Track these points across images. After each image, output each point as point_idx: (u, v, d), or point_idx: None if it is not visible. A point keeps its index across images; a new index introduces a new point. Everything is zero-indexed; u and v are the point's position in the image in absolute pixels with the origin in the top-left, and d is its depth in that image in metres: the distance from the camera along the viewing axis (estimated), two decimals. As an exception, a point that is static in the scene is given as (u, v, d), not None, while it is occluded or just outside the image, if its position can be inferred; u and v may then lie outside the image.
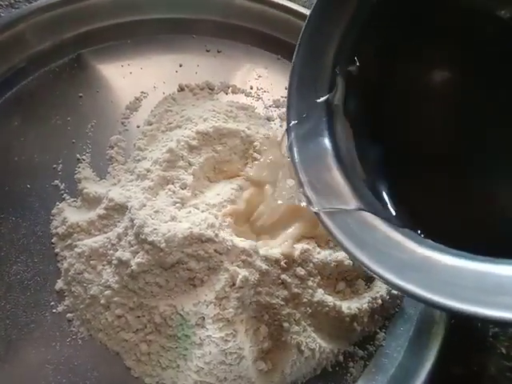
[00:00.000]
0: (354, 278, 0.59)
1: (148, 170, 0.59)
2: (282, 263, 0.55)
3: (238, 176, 0.63)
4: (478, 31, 0.45)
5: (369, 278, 0.59)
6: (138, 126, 0.67)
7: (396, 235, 0.37)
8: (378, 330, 0.59)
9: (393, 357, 0.58)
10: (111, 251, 0.54)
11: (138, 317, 0.53)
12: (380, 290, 0.58)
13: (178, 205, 0.56)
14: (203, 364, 0.50)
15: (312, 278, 0.56)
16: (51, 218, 0.59)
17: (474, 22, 0.45)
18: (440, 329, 0.57)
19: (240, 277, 0.51)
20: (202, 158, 0.60)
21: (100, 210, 0.57)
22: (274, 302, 0.53)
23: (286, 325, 0.53)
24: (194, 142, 0.60)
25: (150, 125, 0.66)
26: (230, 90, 0.74)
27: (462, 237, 0.36)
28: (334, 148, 0.43)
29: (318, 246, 0.59)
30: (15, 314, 0.53)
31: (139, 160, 0.62)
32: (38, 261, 0.56)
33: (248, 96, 0.74)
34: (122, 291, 0.52)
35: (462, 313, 0.30)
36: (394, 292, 0.58)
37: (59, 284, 0.55)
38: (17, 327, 0.53)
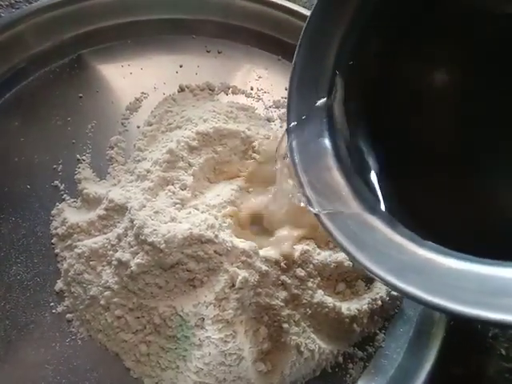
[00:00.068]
0: (353, 279, 0.59)
1: (148, 171, 0.59)
2: (282, 264, 0.55)
3: (238, 177, 0.63)
4: (478, 31, 0.45)
5: (368, 279, 0.59)
6: (138, 127, 0.67)
7: (396, 237, 0.37)
8: (378, 331, 0.59)
9: (392, 358, 0.58)
10: (111, 252, 0.54)
11: (138, 317, 0.53)
12: (380, 291, 0.58)
13: (177, 205, 0.56)
14: (203, 365, 0.50)
15: (312, 279, 0.56)
16: (51, 218, 0.59)
17: (474, 21, 0.45)
18: (439, 330, 0.57)
19: (240, 278, 0.51)
20: (202, 159, 0.60)
21: (100, 211, 0.57)
22: (273, 303, 0.53)
23: (285, 326, 0.53)
24: (194, 143, 0.60)
25: (150, 125, 0.66)
26: (230, 91, 0.74)
27: (462, 237, 0.36)
28: (334, 148, 0.43)
29: (318, 247, 0.59)
30: (15, 314, 0.53)
31: (139, 160, 0.62)
32: (37, 261, 0.56)
33: (248, 97, 0.74)
34: (122, 292, 0.52)
35: (464, 315, 0.29)
36: (394, 293, 0.58)
37: (59, 284, 0.55)
38: (16, 328, 0.53)
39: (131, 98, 0.70)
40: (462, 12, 0.44)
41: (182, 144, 0.60)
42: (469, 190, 0.45)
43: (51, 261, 0.57)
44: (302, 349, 0.52)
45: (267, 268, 0.53)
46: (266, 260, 0.54)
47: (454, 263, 0.33)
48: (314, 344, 0.54)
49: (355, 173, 0.42)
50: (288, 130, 0.45)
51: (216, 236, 0.52)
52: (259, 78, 0.76)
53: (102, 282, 0.53)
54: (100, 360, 0.53)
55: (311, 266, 0.56)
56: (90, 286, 0.54)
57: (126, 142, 0.66)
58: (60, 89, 0.68)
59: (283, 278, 0.54)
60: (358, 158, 0.44)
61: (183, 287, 0.53)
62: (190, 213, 0.55)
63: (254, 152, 0.63)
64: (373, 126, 0.46)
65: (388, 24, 0.45)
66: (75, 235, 0.57)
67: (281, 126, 0.70)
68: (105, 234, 0.57)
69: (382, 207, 0.40)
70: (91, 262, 0.55)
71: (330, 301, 0.55)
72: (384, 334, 0.59)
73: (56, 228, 0.58)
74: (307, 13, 0.72)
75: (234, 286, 0.51)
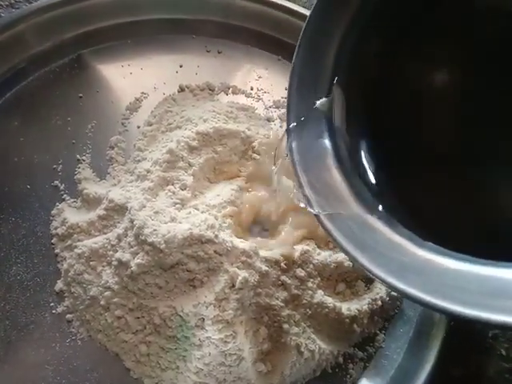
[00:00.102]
0: (353, 279, 0.59)
1: (148, 171, 0.59)
2: (282, 264, 0.55)
3: (238, 177, 0.63)
4: (478, 31, 0.45)
5: (368, 280, 0.59)
6: (138, 127, 0.67)
7: (396, 237, 0.37)
8: (378, 332, 0.59)
9: (392, 358, 0.58)
10: (111, 252, 0.54)
11: (138, 318, 0.53)
12: (380, 291, 0.58)
13: (177, 206, 0.56)
14: (203, 365, 0.50)
15: (312, 280, 0.56)
16: (51, 218, 0.59)
17: (474, 21, 0.45)
18: (439, 330, 0.56)
19: (240, 278, 0.51)
20: (202, 159, 0.60)
21: (100, 211, 0.57)
22: (273, 303, 0.53)
23: (285, 326, 0.53)
24: (194, 143, 0.60)
25: (150, 125, 0.66)
26: (230, 91, 0.74)
27: (462, 237, 0.36)
28: (334, 149, 0.43)
29: (318, 247, 0.59)
30: (15, 314, 0.53)
31: (139, 161, 0.62)
32: (37, 261, 0.56)
33: (248, 97, 0.74)
34: (122, 292, 0.52)
35: (464, 317, 0.29)
36: (394, 293, 0.58)
37: (59, 285, 0.55)
38: (16, 328, 0.52)
39: (131, 98, 0.70)
40: (462, 12, 0.44)
41: (182, 144, 0.60)
42: (469, 189, 0.45)
43: (51, 261, 0.57)
44: (302, 349, 0.52)
45: (267, 268, 0.53)
46: (266, 260, 0.54)
47: (454, 264, 0.33)
48: (314, 344, 0.53)
49: (355, 173, 0.42)
50: (288, 130, 0.45)
51: (216, 236, 0.52)
52: (259, 77, 0.76)
53: (102, 282, 0.53)
54: (100, 360, 0.53)
55: (311, 266, 0.56)
56: (90, 287, 0.54)
57: (126, 142, 0.66)
58: (60, 89, 0.68)
59: (283, 278, 0.54)
60: (358, 158, 0.44)
61: (183, 287, 0.53)
62: (190, 213, 0.55)
63: (254, 152, 0.63)
64: (373, 126, 0.46)
65: (388, 24, 0.45)
66: (75, 235, 0.57)
67: (281, 126, 0.70)
68: (105, 234, 0.57)
69: (382, 208, 0.40)
70: (91, 263, 0.55)
71: (330, 301, 0.55)
72: (384, 334, 0.59)
73: (56, 228, 0.58)
74: (307, 13, 0.72)
75: (234, 286, 0.51)
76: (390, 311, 0.60)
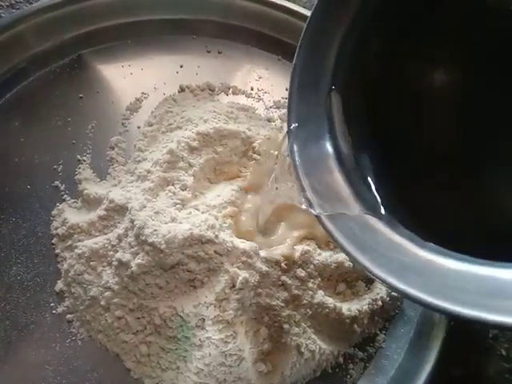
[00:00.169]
0: (354, 279, 0.59)
1: (148, 171, 0.59)
2: (283, 265, 0.55)
3: (239, 177, 0.63)
4: (477, 31, 0.45)
5: (369, 280, 0.59)
6: (139, 127, 0.67)
7: (397, 238, 0.37)
8: (378, 332, 0.59)
9: (393, 358, 0.58)
10: (111, 252, 0.54)
11: (138, 318, 0.53)
12: (380, 291, 0.58)
13: (178, 206, 0.56)
14: (203, 365, 0.50)
15: (312, 280, 0.56)
16: (51, 218, 0.59)
17: (474, 21, 0.45)
18: (440, 331, 0.56)
19: (240, 278, 0.51)
20: (203, 159, 0.60)
21: (100, 211, 0.57)
22: (274, 303, 0.53)
23: (286, 326, 0.53)
24: (195, 143, 0.60)
25: (151, 126, 0.66)
26: (230, 91, 0.74)
27: (462, 237, 0.36)
28: (335, 150, 0.43)
29: (319, 247, 0.59)
30: (15, 314, 0.53)
31: (139, 161, 0.62)
32: (38, 262, 0.56)
33: (249, 97, 0.74)
34: (122, 292, 0.52)
35: (464, 317, 0.29)
36: (394, 294, 0.58)
37: (59, 285, 0.55)
38: (17, 328, 0.52)
39: (131, 99, 0.70)
40: (462, 12, 0.44)
41: (183, 144, 0.60)
42: (469, 190, 0.45)
43: (51, 261, 0.57)
44: (303, 349, 0.52)
45: (268, 268, 0.53)
46: (267, 260, 0.54)
47: (454, 264, 0.33)
48: (315, 344, 0.53)
49: (356, 174, 0.42)
50: (289, 132, 0.44)
51: (216, 236, 0.52)
52: (259, 78, 0.76)
53: (103, 282, 0.53)
54: (100, 361, 0.53)
55: (312, 266, 0.56)
56: (90, 287, 0.54)
57: (126, 143, 0.66)
58: (60, 89, 0.68)
59: (284, 278, 0.54)
60: (359, 158, 0.44)
61: (184, 288, 0.53)
62: (190, 213, 0.55)
63: (255, 152, 0.63)
64: (373, 126, 0.46)
65: (388, 24, 0.45)
66: (75, 235, 0.57)
67: (281, 126, 0.70)
68: (105, 234, 0.57)
69: (382, 208, 0.40)
70: (91, 263, 0.55)
71: (330, 301, 0.55)
72: (384, 334, 0.59)
73: (56, 228, 0.58)
74: (307, 13, 0.72)
75: (234, 286, 0.51)
76: (390, 311, 0.60)
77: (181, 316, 0.52)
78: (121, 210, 0.56)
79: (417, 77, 0.48)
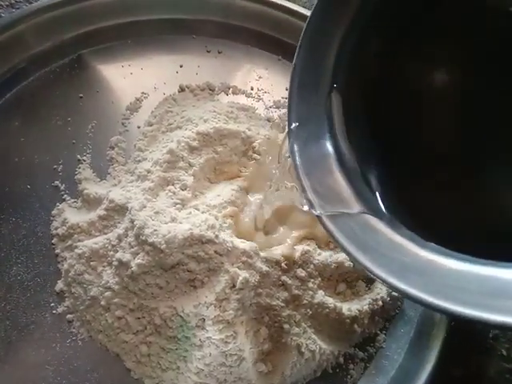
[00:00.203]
0: (354, 279, 0.59)
1: (148, 171, 0.59)
2: (283, 265, 0.55)
3: (239, 177, 0.62)
4: (478, 31, 0.45)
5: (369, 280, 0.59)
6: (139, 127, 0.67)
7: (398, 238, 0.36)
8: (379, 332, 0.59)
9: (393, 358, 0.58)
10: (111, 252, 0.54)
11: (138, 318, 0.53)
12: (380, 291, 0.58)
13: (178, 206, 0.56)
14: (203, 366, 0.50)
15: (312, 280, 0.56)
16: (51, 218, 0.59)
17: (474, 21, 0.45)
18: (440, 331, 0.56)
19: (240, 278, 0.51)
20: (203, 159, 0.60)
21: (100, 211, 0.57)
22: (274, 303, 0.53)
23: (286, 326, 0.53)
24: (195, 143, 0.60)
25: (151, 125, 0.66)
26: (230, 91, 0.74)
27: (462, 237, 0.36)
28: (335, 151, 0.43)
29: (319, 247, 0.59)
30: (15, 314, 0.53)
31: (139, 161, 0.62)
32: (38, 262, 0.56)
33: (249, 97, 0.74)
34: (122, 292, 0.52)
35: (465, 317, 0.29)
36: (395, 294, 0.58)
37: (59, 285, 0.55)
38: (17, 328, 0.53)
39: (131, 98, 0.70)
40: (462, 12, 0.44)
41: (183, 144, 0.60)
42: (469, 189, 0.45)
43: (51, 261, 0.57)
44: (303, 349, 0.52)
45: (268, 268, 0.53)
46: (267, 260, 0.54)
47: (455, 264, 0.33)
48: (315, 344, 0.53)
49: (356, 174, 0.42)
50: (289, 133, 0.44)
51: (216, 236, 0.52)
52: (259, 78, 0.76)
53: (103, 282, 0.53)
54: (100, 361, 0.53)
55: (312, 266, 0.56)
56: (90, 287, 0.54)
57: (126, 143, 0.66)
58: (60, 89, 0.68)
59: (284, 278, 0.54)
60: (359, 158, 0.44)
61: (184, 288, 0.53)
62: (190, 213, 0.55)
63: (255, 152, 0.63)
64: (373, 126, 0.46)
65: (388, 24, 0.45)
66: (76, 235, 0.57)
67: (280, 124, 0.70)
68: (105, 234, 0.57)
69: (383, 208, 0.40)
70: (92, 263, 0.55)
71: (330, 301, 0.55)
72: (385, 334, 0.59)
73: (56, 228, 0.58)
74: (307, 13, 0.72)
75: (234, 286, 0.51)
76: (390, 311, 0.60)
77: (181, 316, 0.52)
78: (121, 209, 0.56)
79: (417, 77, 0.48)
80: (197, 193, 0.59)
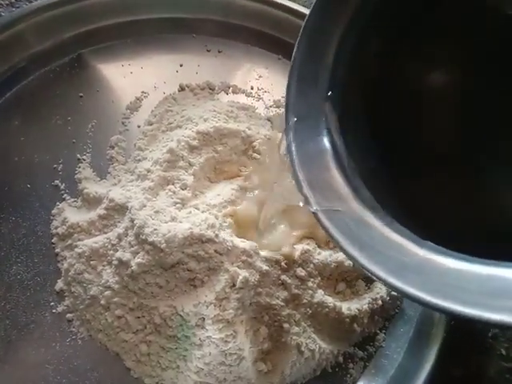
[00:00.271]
0: (354, 278, 0.59)
1: (148, 170, 0.59)
2: (283, 264, 0.55)
3: (239, 176, 0.62)
4: (478, 31, 0.45)
5: (369, 279, 0.59)
6: (139, 126, 0.67)
7: (396, 236, 0.36)
8: (378, 331, 0.59)
9: (393, 358, 0.58)
10: (111, 251, 0.54)
11: (138, 317, 0.53)
12: (380, 291, 0.58)
13: (178, 205, 0.56)
14: (203, 365, 0.50)
15: (312, 279, 0.56)
16: (51, 218, 0.59)
17: (474, 21, 0.45)
18: (440, 330, 0.56)
19: (240, 277, 0.51)
20: (203, 159, 0.60)
21: (100, 210, 0.57)
22: (274, 302, 0.53)
23: (286, 326, 0.53)
24: (195, 142, 0.60)
25: (151, 125, 0.66)
26: (230, 90, 0.74)
27: (462, 237, 0.36)
28: (333, 147, 0.43)
29: (319, 246, 0.59)
30: (15, 314, 0.53)
31: (140, 160, 0.62)
32: (38, 261, 0.56)
33: (249, 96, 0.74)
34: (122, 292, 0.52)
35: (465, 316, 0.29)
36: (394, 293, 0.58)
37: (59, 284, 0.55)
38: (17, 327, 0.52)
39: (131, 98, 0.70)
40: (462, 12, 0.44)
41: (183, 143, 0.60)
42: (469, 189, 0.45)
43: (51, 260, 0.57)
44: (303, 349, 0.52)
45: (268, 268, 0.53)
46: (267, 260, 0.54)
47: (454, 263, 0.33)
48: (315, 344, 0.54)
49: (354, 172, 0.42)
50: (286, 128, 0.44)
51: (216, 235, 0.52)
52: (259, 77, 0.76)
53: (103, 281, 0.53)
54: (100, 360, 0.53)
55: (311, 265, 0.56)
56: (90, 286, 0.54)
57: (126, 142, 0.66)
58: (60, 88, 0.68)
59: (283, 277, 0.54)
60: (358, 157, 0.44)
61: (184, 287, 0.53)
62: (190, 212, 0.55)
63: (255, 151, 0.63)
64: (373, 126, 0.46)
65: (388, 24, 0.45)
66: (75, 235, 0.57)
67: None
68: (105, 233, 0.57)
69: (381, 207, 0.40)
70: (91, 262, 0.55)
71: (330, 301, 0.55)
72: (384, 333, 0.59)
73: (56, 227, 0.58)
74: (307, 12, 0.72)
75: (234, 285, 0.51)
76: (390, 311, 0.60)
77: (181, 315, 0.52)
78: (121, 209, 0.56)
79: (417, 77, 0.48)
80: (197, 192, 0.59)
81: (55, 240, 0.57)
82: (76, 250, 0.55)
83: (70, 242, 0.57)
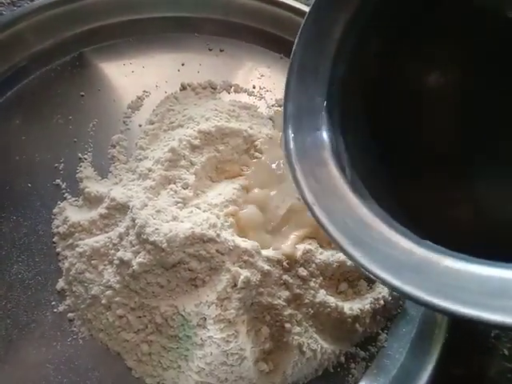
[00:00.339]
0: (356, 278, 0.59)
1: (150, 170, 0.59)
2: (284, 264, 0.55)
3: (240, 176, 0.62)
4: (478, 31, 0.45)
5: (371, 279, 0.59)
6: (140, 125, 0.67)
7: (394, 235, 0.36)
8: (380, 331, 0.59)
9: (395, 358, 0.57)
10: (112, 251, 0.54)
11: (139, 317, 0.53)
12: (382, 290, 0.58)
13: (179, 204, 0.56)
14: (204, 365, 0.50)
15: (314, 279, 0.56)
16: (52, 217, 0.59)
17: (474, 21, 0.45)
18: (442, 330, 0.56)
19: (242, 277, 0.51)
20: (204, 158, 0.60)
21: (101, 210, 0.57)
22: (275, 302, 0.53)
23: (287, 326, 0.52)
24: (196, 142, 0.60)
25: (152, 124, 0.66)
26: (232, 89, 0.74)
27: (461, 237, 0.36)
28: (331, 143, 0.43)
29: (321, 246, 0.59)
30: (16, 313, 0.53)
31: (141, 159, 0.62)
32: (39, 260, 0.56)
33: (250, 95, 0.74)
34: (124, 291, 0.52)
35: (464, 316, 0.29)
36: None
37: (60, 284, 0.55)
38: (17, 327, 0.53)
39: (133, 97, 0.70)
40: (462, 12, 0.44)
41: (184, 143, 0.59)
42: (469, 190, 0.45)
43: (52, 260, 0.57)
44: (304, 349, 0.52)
45: (269, 267, 0.53)
46: (268, 259, 0.54)
47: (453, 263, 0.33)
48: (317, 344, 0.53)
49: (354, 172, 0.42)
50: (285, 123, 0.44)
51: (218, 235, 0.52)
52: (261, 76, 0.76)
53: (104, 281, 0.53)
54: (101, 359, 0.53)
55: (313, 265, 0.56)
56: (91, 285, 0.54)
57: (127, 141, 0.66)
58: (61, 87, 0.68)
59: (285, 277, 0.54)
60: (357, 157, 0.44)
61: (185, 286, 0.53)
62: (191, 212, 0.55)
63: (256, 151, 0.63)
64: (373, 126, 0.46)
65: (388, 24, 0.45)
66: (77, 234, 0.57)
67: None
68: (106, 232, 0.57)
69: (381, 207, 0.40)
70: (93, 261, 0.55)
71: (332, 300, 0.55)
72: (386, 333, 0.59)
73: (57, 227, 0.58)
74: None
75: (236, 285, 0.51)
76: (392, 311, 0.59)
77: (182, 315, 0.52)
78: (122, 208, 0.56)
79: (417, 77, 0.48)
80: (198, 191, 0.59)
81: (56, 239, 0.57)
82: (77, 249, 0.55)
83: (71, 241, 0.57)
